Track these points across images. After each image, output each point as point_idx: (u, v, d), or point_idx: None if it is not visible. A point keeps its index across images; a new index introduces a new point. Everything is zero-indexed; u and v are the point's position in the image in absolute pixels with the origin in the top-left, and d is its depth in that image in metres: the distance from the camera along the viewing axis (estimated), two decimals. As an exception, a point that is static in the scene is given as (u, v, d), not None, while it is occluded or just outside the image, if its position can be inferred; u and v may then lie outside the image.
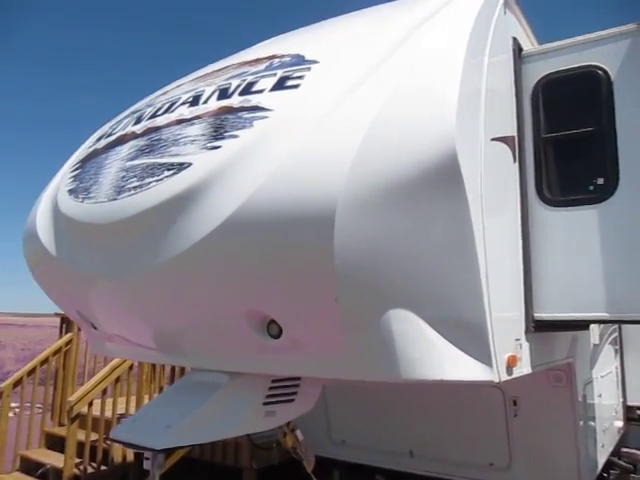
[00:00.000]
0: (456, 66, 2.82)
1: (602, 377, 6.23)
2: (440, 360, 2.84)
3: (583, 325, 3.68)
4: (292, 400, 3.67)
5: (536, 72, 3.80)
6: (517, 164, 3.66)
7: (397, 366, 2.80)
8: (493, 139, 3.25)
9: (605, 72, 3.57)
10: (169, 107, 3.57)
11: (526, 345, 3.53)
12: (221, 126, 2.97)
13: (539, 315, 3.58)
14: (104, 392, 7.41)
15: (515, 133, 3.69)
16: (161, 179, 2.93)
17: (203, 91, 3.45)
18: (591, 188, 3.58)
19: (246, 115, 2.94)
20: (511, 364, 3.15)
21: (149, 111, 3.76)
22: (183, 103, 3.48)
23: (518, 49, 3.83)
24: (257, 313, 2.88)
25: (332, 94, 2.82)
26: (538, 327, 3.58)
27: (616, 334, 7.70)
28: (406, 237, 2.65)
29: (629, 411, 8.17)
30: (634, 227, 3.35)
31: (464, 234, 2.75)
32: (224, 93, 3.28)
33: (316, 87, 2.94)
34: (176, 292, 3.02)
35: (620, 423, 7.21)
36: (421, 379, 2.82)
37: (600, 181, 3.52)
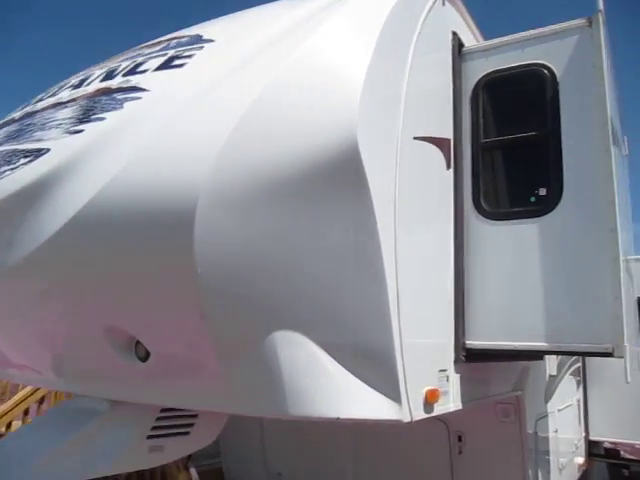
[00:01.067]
0: (364, 53, 2.40)
1: (560, 411, 5.79)
2: (337, 394, 2.37)
3: (525, 355, 3.22)
4: (186, 433, 3.15)
5: (477, 71, 3.40)
6: (452, 171, 3.24)
7: (283, 400, 2.32)
8: (417, 138, 2.82)
9: (550, 71, 3.18)
10: (56, 91, 3.12)
11: (455, 377, 3.07)
12: (91, 108, 2.52)
13: (471, 343, 3.13)
14: (26, 413, 6.79)
15: (451, 136, 3.28)
16: (16, 167, 2.46)
17: (92, 74, 3.01)
18: (532, 199, 3.16)
19: (120, 96, 2.49)
20: (430, 399, 2.68)
21: (39, 96, 3.31)
22: (69, 86, 3.03)
23: (458, 45, 3.43)
24: (119, 331, 2.39)
25: (214, 74, 2.38)
26: (470, 357, 3.12)
27: (579, 364, 7.28)
28: (291, 244, 2.19)
29: (592, 446, 7.75)
30: (579, 244, 2.93)
31: (366, 244, 2.30)
32: (109, 75, 2.84)
33: (200, 66, 2.50)
34: (28, 300, 2.53)
35: (581, 459, 6.76)
36: (312, 416, 2.34)
37: (542, 192, 3.10)
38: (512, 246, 3.12)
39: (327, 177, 2.19)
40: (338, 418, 2.35)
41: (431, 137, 3.01)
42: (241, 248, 2.11)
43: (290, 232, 2.17)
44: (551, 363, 5.42)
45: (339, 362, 2.37)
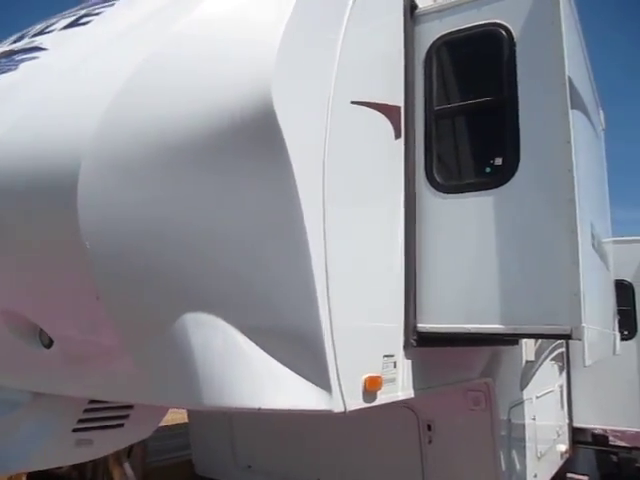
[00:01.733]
0: (285, 5, 2.15)
1: (538, 397, 5.58)
2: (257, 382, 2.15)
3: (480, 339, 2.99)
4: (120, 426, 2.94)
5: (430, 33, 3.15)
6: (402, 141, 3.00)
7: (197, 390, 2.10)
8: (357, 103, 2.58)
9: (507, 31, 2.93)
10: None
11: (405, 363, 2.85)
12: (-12, 71, 2.27)
13: (423, 326, 2.90)
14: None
15: (401, 104, 3.04)
16: None
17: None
18: (488, 170, 2.92)
19: (18, 57, 2.26)
20: (371, 387, 2.47)
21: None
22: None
23: (410, 6, 3.18)
24: (16, 315, 2.16)
25: (113, 30, 2.13)
26: (422, 341, 2.90)
27: (562, 349, 7.09)
28: (197, 211, 1.97)
29: (578, 433, 7.57)
30: (535, 217, 2.70)
31: (285, 214, 2.07)
32: (21, 37, 2.60)
33: (103, 23, 2.26)
34: None
35: (564, 447, 6.58)
36: (230, 406, 2.13)
37: (498, 161, 2.86)
38: (466, 221, 2.89)
39: (238, 134, 1.96)
40: (260, 409, 2.13)
41: (375, 103, 2.76)
42: (136, 217, 1.88)
43: (194, 197, 1.94)
44: (528, 348, 5.22)
45: (260, 346, 2.15)
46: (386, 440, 4.77)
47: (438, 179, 2.99)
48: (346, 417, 4.79)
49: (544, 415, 5.81)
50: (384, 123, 2.86)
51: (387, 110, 2.87)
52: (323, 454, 5.12)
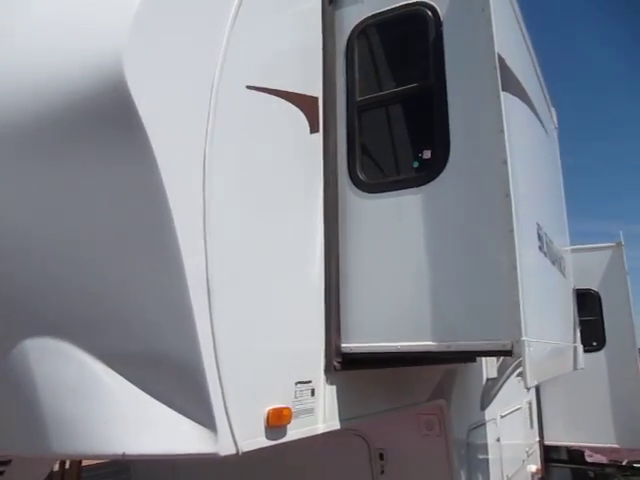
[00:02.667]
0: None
1: (503, 417, 5.21)
2: (122, 422, 1.74)
3: (412, 358, 2.61)
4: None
5: (351, 18, 2.82)
6: (320, 135, 2.65)
7: (44, 433, 1.69)
8: (254, 88, 2.22)
9: (433, 11, 2.61)
10: None
11: (328, 390, 2.46)
12: None
13: (348, 346, 2.52)
14: None
15: (320, 95, 2.70)
16: None
17: None
18: (416, 165, 2.58)
19: None
20: (275, 423, 2.07)
21: None
22: None
23: (330, -11, 2.86)
24: None
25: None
26: (348, 363, 2.52)
27: (530, 364, 6.76)
28: (32, 214, 1.57)
29: (551, 451, 7.22)
30: (468, 217, 2.35)
31: (149, 216, 1.69)
32: None
33: None
34: None
35: (534, 467, 6.19)
36: (84, 454, 1.72)
37: (426, 154, 2.53)
38: (393, 224, 2.53)
39: (85, 114, 1.58)
40: (124, 454, 1.72)
41: (283, 91, 2.41)
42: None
43: (28, 194, 1.54)
44: (489, 364, 4.86)
45: (126, 378, 1.75)
46: (337, 472, 4.34)
47: (362, 177, 2.64)
48: (293, 449, 4.40)
49: (510, 435, 5.44)
50: (296, 115, 2.51)
51: (300, 100, 2.52)
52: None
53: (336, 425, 2.50)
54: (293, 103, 2.47)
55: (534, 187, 2.88)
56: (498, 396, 5.16)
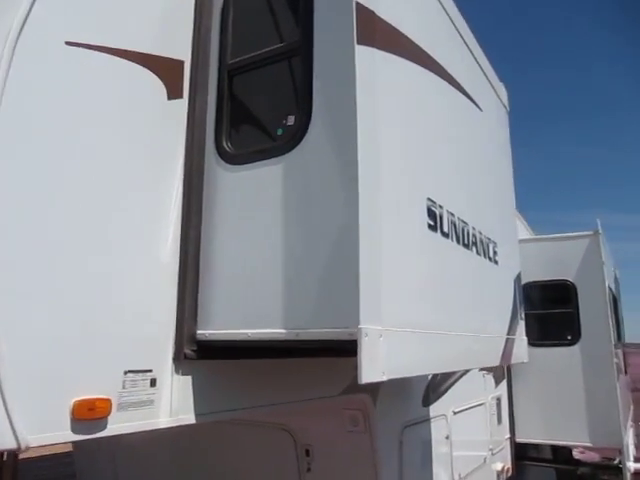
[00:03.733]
0: None
1: (456, 413, 4.92)
2: None
3: (265, 349, 2.29)
4: None
5: (229, -28, 2.56)
6: (184, 102, 2.40)
7: None
8: (77, 45, 1.98)
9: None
10: None
11: (178, 380, 2.22)
12: None
13: (203, 333, 2.28)
14: None
15: (186, 58, 2.44)
16: None
17: None
18: (279, 132, 2.32)
19: None
20: (84, 415, 1.84)
21: None
22: None
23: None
24: None
25: None
26: (205, 351, 2.28)
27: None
28: None
29: (527, 449, 6.91)
30: (323, 190, 2.07)
31: None
32: None
33: None
34: None
35: (500, 464, 5.90)
36: None
37: (290, 120, 2.26)
38: (254, 199, 2.27)
39: None
40: None
41: (125, 51, 2.16)
42: None
43: None
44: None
45: None
46: (264, 469, 4.12)
47: (227, 148, 2.39)
48: (222, 444, 4.18)
49: (467, 432, 5.15)
50: (147, 78, 2.26)
51: (152, 62, 2.27)
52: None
53: (190, 419, 2.26)
54: (142, 65, 2.23)
55: (430, 161, 2.59)
56: (451, 391, 4.89)
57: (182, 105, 2.40)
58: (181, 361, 2.22)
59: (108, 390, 1.94)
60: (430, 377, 4.51)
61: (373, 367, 1.84)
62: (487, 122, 3.63)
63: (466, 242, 2.90)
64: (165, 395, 2.16)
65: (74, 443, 5.29)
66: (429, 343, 2.26)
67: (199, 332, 2.28)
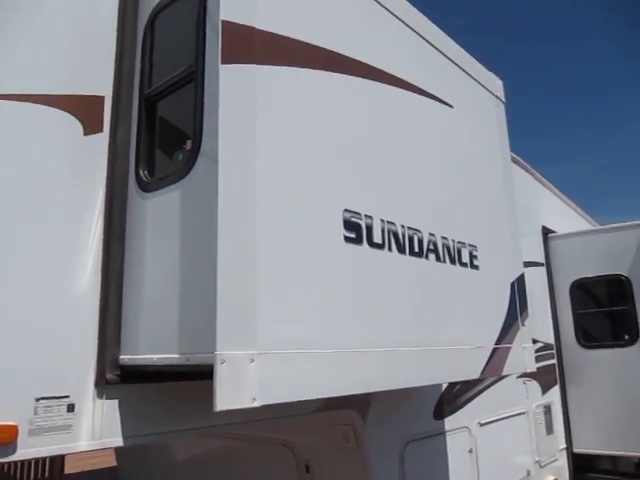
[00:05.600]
0: None
1: (483, 425, 4.66)
2: None
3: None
4: None
5: None
6: (105, 136, 2.50)
7: None
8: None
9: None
10: None
11: (101, 405, 2.29)
12: None
13: (124, 358, 2.35)
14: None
15: (105, 91, 2.54)
16: None
17: None
18: (180, 157, 2.35)
19: None
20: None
21: None
22: None
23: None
24: None
25: None
26: (129, 376, 2.34)
27: (552, 360, 6.04)
28: None
29: (593, 460, 6.38)
30: (201, 216, 2.07)
31: None
32: None
33: None
34: None
35: (551, 478, 5.50)
36: None
37: (188, 144, 2.28)
38: (159, 225, 2.31)
39: None
40: None
41: (30, 95, 2.29)
42: None
43: None
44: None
45: None
46: (268, 483, 4.14)
47: (142, 176, 2.45)
48: (225, 459, 4.25)
49: (499, 444, 4.85)
50: (59, 117, 2.37)
51: (65, 102, 2.38)
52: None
53: (117, 442, 2.32)
54: (53, 106, 2.34)
55: (352, 171, 2.49)
56: (475, 402, 4.65)
57: (102, 139, 2.49)
58: (104, 386, 2.30)
59: (18, 417, 2.05)
60: (444, 388, 4.31)
61: (235, 393, 1.81)
62: (460, 118, 3.42)
63: (417, 250, 2.76)
64: (86, 419, 2.23)
65: (119, 458, 5.62)
66: (331, 363, 2.17)
67: (121, 357, 2.35)
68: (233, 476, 4.29)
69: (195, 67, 2.26)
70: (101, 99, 2.52)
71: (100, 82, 2.53)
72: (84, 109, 2.44)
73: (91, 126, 2.46)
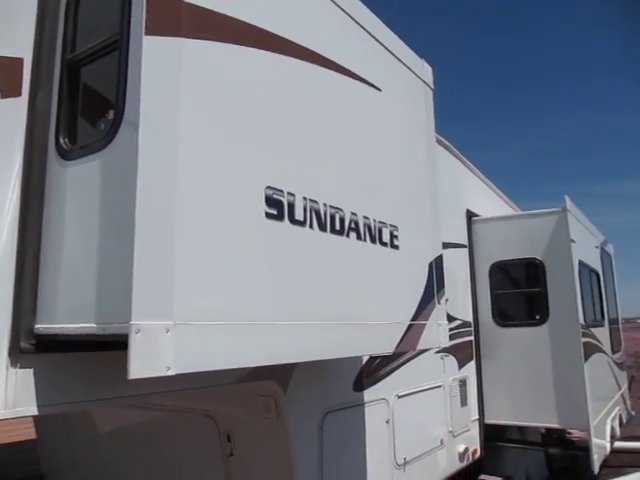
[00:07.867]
0: None
1: (401, 397, 4.90)
2: None
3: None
4: None
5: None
6: (23, 100, 2.43)
7: None
8: None
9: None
10: None
11: (15, 374, 2.27)
12: None
13: (40, 327, 2.33)
14: None
15: (24, 53, 2.46)
16: None
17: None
18: (102, 127, 2.34)
19: None
20: None
21: None
22: None
23: None
24: None
25: None
26: (44, 345, 2.33)
27: (469, 337, 6.38)
28: None
29: (503, 431, 6.83)
30: (121, 187, 2.07)
31: None
32: None
33: None
34: None
35: (462, 447, 5.86)
36: None
37: (111, 114, 2.27)
38: (77, 193, 2.29)
39: None
40: None
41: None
42: None
43: None
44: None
45: None
46: (190, 455, 4.21)
47: (63, 143, 2.40)
48: (150, 430, 4.28)
49: (415, 415, 5.12)
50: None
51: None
52: (128, 470, 4.59)
53: (31, 411, 2.31)
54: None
55: (275, 149, 2.54)
56: (394, 375, 4.87)
57: (20, 103, 2.42)
58: (18, 355, 2.28)
59: None
60: (364, 362, 4.50)
61: (150, 362, 1.85)
62: (388, 102, 3.53)
63: (338, 228, 2.86)
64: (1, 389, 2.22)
65: (39, 428, 5.52)
66: (247, 334, 2.24)
67: (36, 326, 2.33)
68: (156, 446, 4.33)
69: (120, 37, 2.23)
70: (19, 61, 2.44)
71: (19, 44, 2.45)
72: (0, 71, 2.36)
73: (8, 89, 2.39)
